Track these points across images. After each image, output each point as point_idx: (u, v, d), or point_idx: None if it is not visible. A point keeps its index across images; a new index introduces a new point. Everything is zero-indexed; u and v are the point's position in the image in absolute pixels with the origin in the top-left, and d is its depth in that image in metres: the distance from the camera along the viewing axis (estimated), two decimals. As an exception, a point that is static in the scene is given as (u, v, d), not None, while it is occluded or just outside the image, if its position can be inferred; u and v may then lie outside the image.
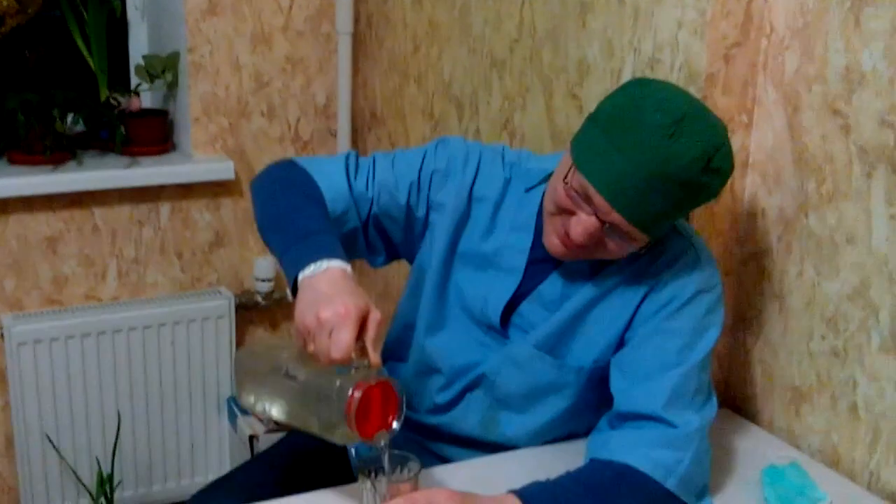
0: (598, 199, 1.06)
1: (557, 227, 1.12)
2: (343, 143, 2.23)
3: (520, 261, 1.20)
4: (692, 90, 1.29)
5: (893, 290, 1.15)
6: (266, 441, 2.00)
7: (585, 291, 1.17)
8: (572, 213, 1.09)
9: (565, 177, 1.10)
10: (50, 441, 2.01)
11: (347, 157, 1.24)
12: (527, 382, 1.21)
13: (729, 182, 1.32)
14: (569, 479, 1.07)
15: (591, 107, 1.49)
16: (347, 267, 1.04)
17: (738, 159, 1.33)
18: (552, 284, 1.19)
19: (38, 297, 2.05)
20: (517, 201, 1.21)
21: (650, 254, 1.16)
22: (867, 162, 1.16)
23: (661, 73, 1.34)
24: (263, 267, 2.21)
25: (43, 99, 1.98)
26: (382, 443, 0.98)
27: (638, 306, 1.15)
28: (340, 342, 0.95)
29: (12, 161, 2.00)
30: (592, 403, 1.21)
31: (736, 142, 1.32)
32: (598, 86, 1.47)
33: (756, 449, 1.27)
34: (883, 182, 1.15)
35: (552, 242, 1.13)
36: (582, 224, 1.08)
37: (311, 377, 1.00)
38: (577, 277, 1.18)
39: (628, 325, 1.16)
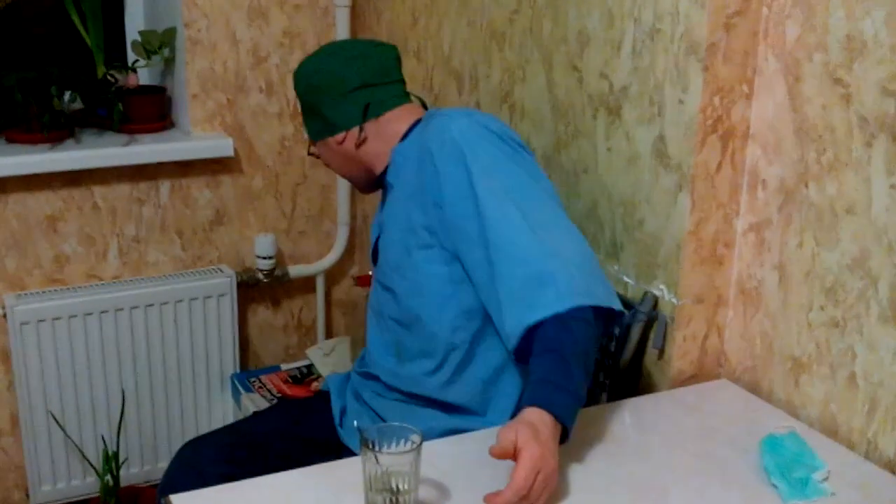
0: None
1: None
2: (342, 118, 2.22)
3: (379, 213, 1.43)
4: (693, 60, 1.28)
5: (893, 261, 1.15)
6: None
7: (400, 204, 1.34)
8: None
9: None
10: (55, 420, 2.02)
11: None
12: (402, 303, 1.32)
13: (730, 152, 1.33)
14: (549, 364, 1.11)
15: (591, 78, 1.49)
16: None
17: (738, 130, 1.33)
18: (382, 213, 1.41)
19: (39, 277, 2.05)
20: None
21: (418, 142, 1.31)
22: (868, 131, 1.16)
23: (661, 43, 1.33)
24: (264, 244, 2.20)
25: (40, 76, 1.96)
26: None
27: (428, 183, 1.26)
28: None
29: (10, 139, 1.99)
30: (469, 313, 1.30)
31: (736, 112, 1.31)
32: (598, 56, 1.46)
33: (755, 418, 1.28)
34: (883, 151, 1.14)
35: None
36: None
37: None
38: (393, 197, 1.37)
39: (432, 200, 1.26)
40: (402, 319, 1.34)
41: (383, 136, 1.38)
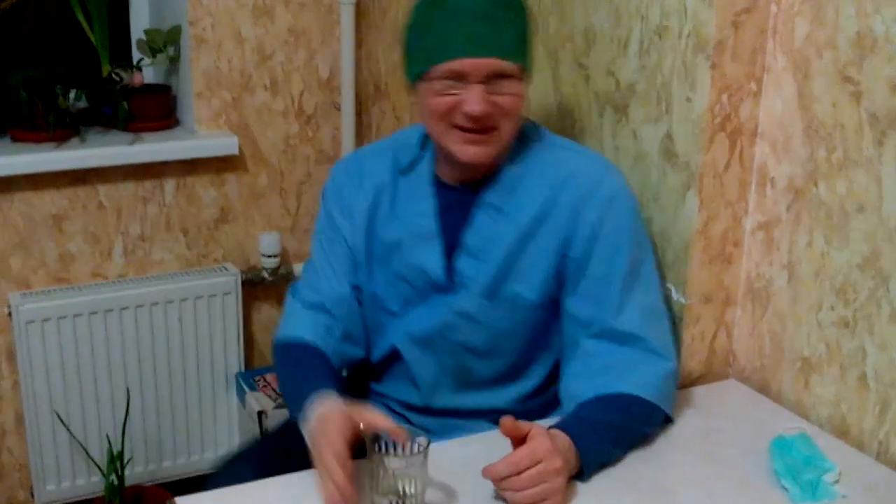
0: (464, 63, 1.13)
1: (456, 134, 1.18)
2: (347, 116, 2.22)
3: (430, 224, 1.26)
4: (700, 57, 1.27)
5: (905, 259, 1.14)
6: (274, 416, 2.01)
7: (509, 230, 1.22)
8: (457, 107, 1.16)
9: (427, 90, 1.17)
10: (60, 419, 2.02)
11: (295, 294, 1.36)
12: (487, 332, 1.26)
13: (738, 150, 1.32)
14: (597, 413, 1.15)
15: (598, 76, 1.48)
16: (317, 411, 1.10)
17: (747, 128, 1.31)
18: (473, 235, 1.24)
19: (44, 276, 2.05)
20: (404, 182, 1.30)
21: (545, 178, 1.23)
22: (878, 129, 1.15)
23: (668, 41, 1.32)
24: (269, 243, 2.20)
25: (45, 75, 1.96)
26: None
27: (565, 233, 1.21)
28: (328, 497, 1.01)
29: (15, 139, 1.99)
30: (546, 336, 1.28)
31: (745, 110, 1.30)
32: (604, 54, 1.45)
33: (765, 420, 1.27)
34: (894, 149, 1.13)
35: (463, 150, 1.19)
36: (471, 97, 1.14)
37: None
38: (493, 220, 1.24)
39: (563, 251, 1.22)
40: (481, 348, 1.27)
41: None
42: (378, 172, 1.32)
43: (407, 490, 1.00)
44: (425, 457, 1.00)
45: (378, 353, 1.35)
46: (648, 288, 1.25)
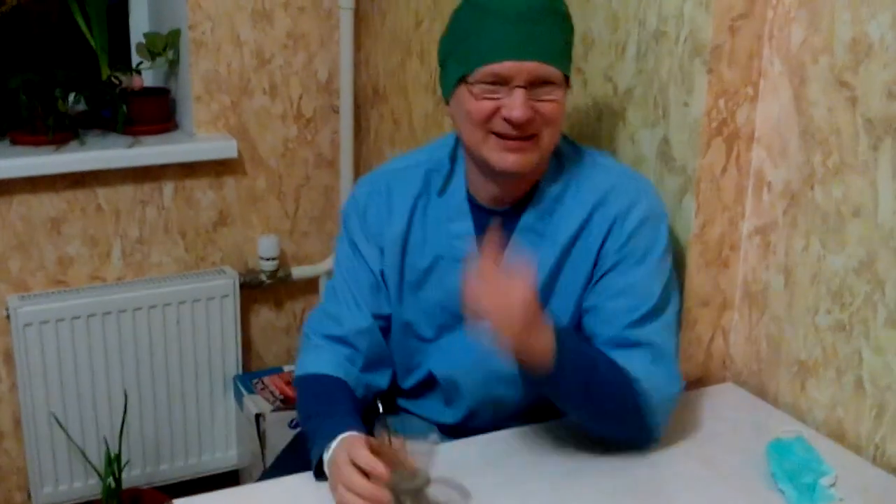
0: (507, 66, 1.09)
1: (494, 141, 1.13)
2: (346, 119, 2.22)
3: (470, 246, 1.20)
4: (697, 62, 1.28)
5: (900, 264, 1.14)
6: (272, 420, 2.01)
7: (547, 253, 1.19)
8: (497, 112, 1.11)
9: (466, 95, 1.12)
10: (57, 421, 2.02)
11: (314, 326, 1.30)
12: None
13: (734, 154, 1.32)
14: (595, 351, 1.14)
15: (596, 80, 1.48)
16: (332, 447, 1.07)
17: (743, 132, 1.32)
18: (515, 260, 1.20)
19: (43, 278, 2.05)
20: (435, 203, 1.24)
21: (580, 197, 1.19)
22: (874, 134, 1.15)
23: (666, 46, 1.33)
24: (267, 246, 2.20)
25: (45, 79, 1.96)
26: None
27: (598, 252, 1.18)
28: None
29: (15, 141, 1.99)
30: None
31: (741, 115, 1.31)
32: (602, 59, 1.46)
33: (762, 423, 1.27)
34: (890, 154, 1.14)
35: (501, 158, 1.13)
36: (514, 101, 1.10)
37: None
38: (533, 244, 1.19)
39: (594, 268, 1.19)
40: (516, 377, 1.15)
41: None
42: (408, 194, 1.24)
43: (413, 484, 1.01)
44: (433, 452, 1.01)
45: (412, 379, 1.30)
46: (665, 318, 1.19)
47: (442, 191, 1.24)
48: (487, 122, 1.12)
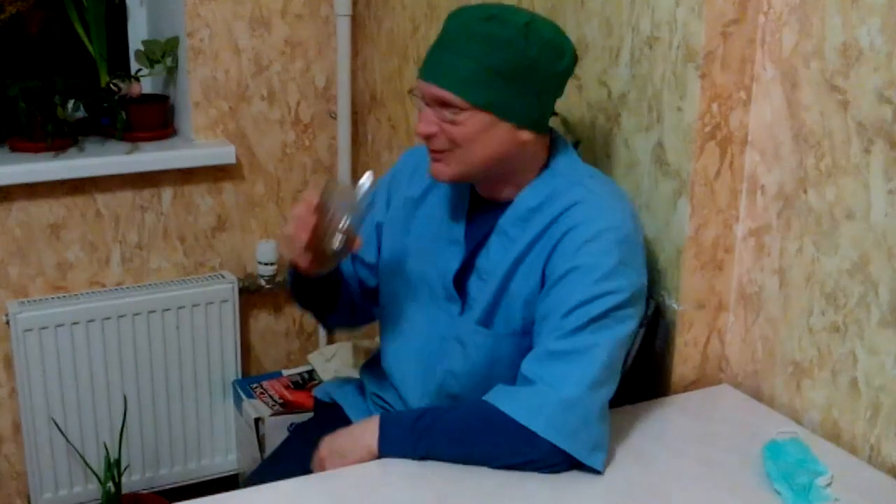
0: (419, 85, 1.20)
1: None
2: (343, 125, 2.23)
3: (459, 232, 1.28)
4: (690, 67, 1.29)
5: (892, 265, 1.15)
6: (271, 424, 2.02)
7: (506, 257, 1.23)
8: None
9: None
10: (57, 426, 2.02)
11: None
12: (469, 361, 1.26)
13: (728, 158, 1.33)
14: (436, 412, 1.20)
15: (590, 85, 1.50)
16: None
17: (737, 136, 1.33)
18: (484, 258, 1.26)
19: (42, 284, 2.06)
20: (446, 189, 1.32)
21: (551, 209, 1.21)
22: (865, 137, 1.16)
23: (659, 51, 1.34)
24: (266, 250, 2.21)
25: (44, 86, 1.97)
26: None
27: (546, 261, 1.20)
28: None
29: (14, 148, 2.00)
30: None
31: (735, 119, 1.32)
32: (596, 64, 1.47)
33: (757, 424, 1.28)
34: (881, 157, 1.15)
35: (430, 166, 1.23)
36: (421, 116, 1.20)
37: None
38: (503, 246, 1.24)
39: (542, 278, 1.21)
40: (460, 373, 1.26)
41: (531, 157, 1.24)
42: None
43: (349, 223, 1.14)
44: (370, 188, 1.13)
45: (379, 342, 1.42)
46: (600, 342, 1.16)
47: None
48: (422, 137, 1.23)
